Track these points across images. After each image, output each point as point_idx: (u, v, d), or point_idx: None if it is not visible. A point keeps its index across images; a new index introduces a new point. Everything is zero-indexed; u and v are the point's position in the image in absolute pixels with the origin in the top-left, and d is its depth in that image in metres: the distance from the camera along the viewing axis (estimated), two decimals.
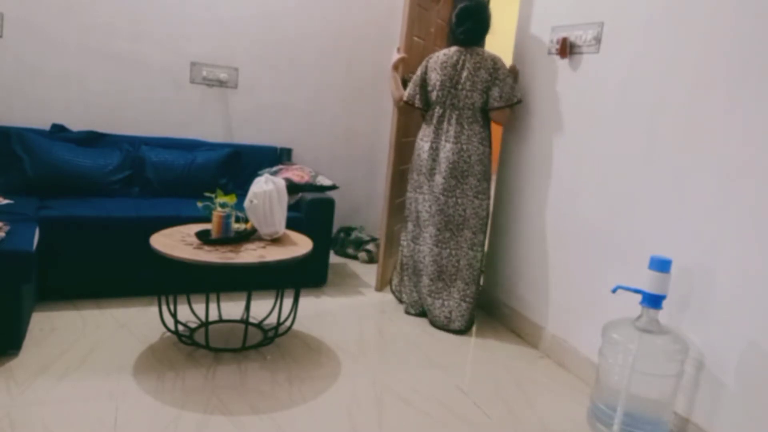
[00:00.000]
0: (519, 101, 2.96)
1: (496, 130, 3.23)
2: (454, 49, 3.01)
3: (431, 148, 3.03)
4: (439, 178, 3.02)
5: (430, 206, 3.05)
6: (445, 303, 3.04)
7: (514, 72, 3.09)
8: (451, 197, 3.01)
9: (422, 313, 3.16)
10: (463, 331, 3.00)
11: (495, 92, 2.94)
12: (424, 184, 3.07)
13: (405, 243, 3.24)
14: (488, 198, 3.09)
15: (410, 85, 3.13)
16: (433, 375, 2.51)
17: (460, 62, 2.96)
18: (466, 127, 2.98)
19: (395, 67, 3.24)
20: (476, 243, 3.04)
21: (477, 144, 2.99)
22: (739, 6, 1.96)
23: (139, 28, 3.60)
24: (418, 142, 3.13)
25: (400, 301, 3.32)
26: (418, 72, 3.10)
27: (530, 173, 2.97)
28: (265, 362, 2.47)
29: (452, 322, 3.00)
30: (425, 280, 3.09)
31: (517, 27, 3.10)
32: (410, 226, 3.20)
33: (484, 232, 3.09)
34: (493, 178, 3.25)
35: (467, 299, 3.02)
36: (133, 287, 3.01)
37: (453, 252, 3.04)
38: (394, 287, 3.41)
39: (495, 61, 2.96)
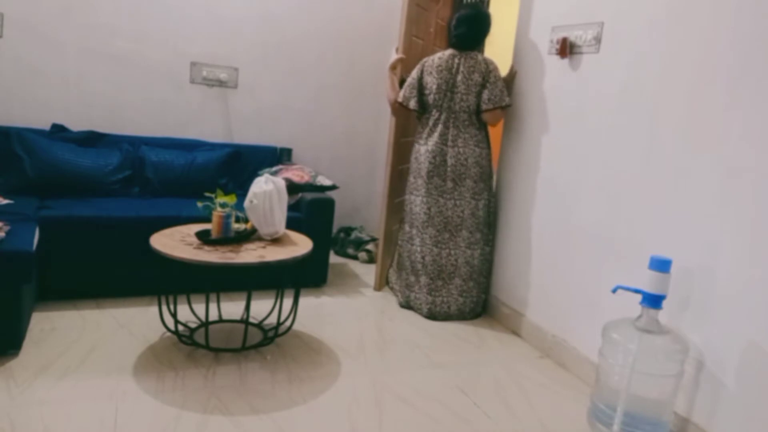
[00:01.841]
0: (508, 105, 3.02)
1: (496, 131, 3.23)
2: (449, 52, 3.06)
3: (428, 151, 3.07)
4: (437, 181, 3.08)
5: (429, 208, 3.10)
6: (445, 300, 3.13)
7: (512, 73, 3.11)
8: (449, 199, 3.08)
9: (411, 307, 3.24)
10: (465, 318, 3.17)
11: (485, 95, 3.01)
12: (421, 187, 3.11)
13: (401, 243, 3.29)
14: (485, 198, 3.14)
15: (405, 87, 3.15)
16: (433, 375, 2.51)
17: (455, 66, 3.02)
18: (462, 130, 3.05)
19: (393, 67, 3.24)
20: (473, 242, 3.12)
21: (473, 147, 3.05)
22: (739, 6, 1.96)
23: (139, 28, 3.60)
24: (414, 145, 3.18)
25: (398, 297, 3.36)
26: (414, 74, 3.13)
27: (530, 173, 2.97)
28: (265, 362, 2.47)
29: (451, 314, 3.14)
30: (424, 279, 3.14)
31: (516, 27, 3.10)
32: (407, 227, 3.23)
33: (482, 230, 3.15)
34: (494, 177, 3.27)
35: (464, 294, 3.14)
36: (133, 287, 3.01)
37: (452, 252, 3.10)
38: (391, 283, 3.47)
39: (488, 65, 3.03)
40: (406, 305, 3.26)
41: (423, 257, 3.14)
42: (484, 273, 3.22)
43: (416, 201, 3.14)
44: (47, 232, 2.70)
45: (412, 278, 3.21)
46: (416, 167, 3.14)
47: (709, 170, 2.05)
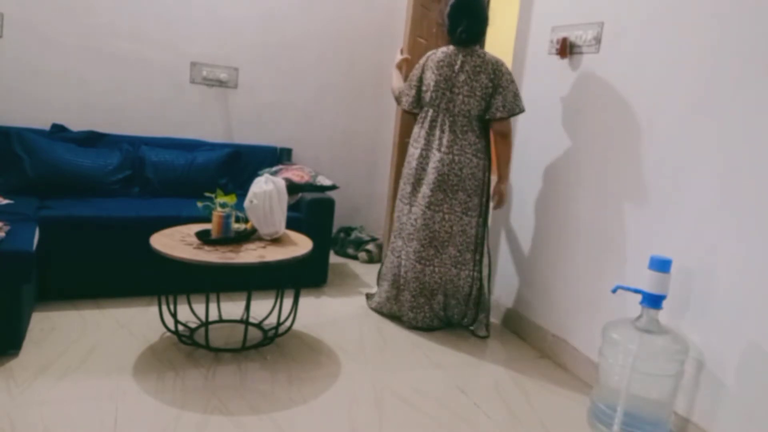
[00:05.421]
0: (522, 110, 2.77)
1: None
2: (453, 48, 2.82)
3: (420, 155, 2.84)
4: (425, 190, 2.81)
5: (415, 219, 2.86)
6: (427, 315, 2.93)
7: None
8: (437, 212, 2.80)
9: (389, 315, 3.06)
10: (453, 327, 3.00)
11: (498, 101, 2.73)
12: (409, 195, 2.90)
13: (386, 252, 3.11)
14: (479, 215, 2.85)
15: (405, 85, 3.02)
16: (433, 375, 2.51)
17: (458, 63, 2.76)
18: (459, 135, 2.77)
19: (398, 68, 3.22)
20: (460, 261, 2.85)
21: (470, 156, 2.77)
22: (739, 6, 1.96)
23: (139, 28, 3.60)
24: (409, 148, 2.96)
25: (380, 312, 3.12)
26: (416, 72, 2.93)
27: (530, 173, 2.97)
28: (265, 362, 2.47)
29: (435, 327, 2.95)
30: (406, 295, 2.93)
31: (517, 27, 3.10)
32: (392, 236, 3.04)
33: (472, 251, 2.87)
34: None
35: (448, 309, 2.94)
36: (133, 287, 3.01)
37: (436, 270, 2.86)
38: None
39: (497, 66, 2.75)
40: (380, 312, 3.08)
41: (405, 272, 2.90)
42: (473, 299, 2.91)
43: (404, 209, 2.92)
44: (47, 232, 2.70)
45: (394, 291, 3.00)
46: (407, 172, 2.91)
47: (709, 170, 2.05)
